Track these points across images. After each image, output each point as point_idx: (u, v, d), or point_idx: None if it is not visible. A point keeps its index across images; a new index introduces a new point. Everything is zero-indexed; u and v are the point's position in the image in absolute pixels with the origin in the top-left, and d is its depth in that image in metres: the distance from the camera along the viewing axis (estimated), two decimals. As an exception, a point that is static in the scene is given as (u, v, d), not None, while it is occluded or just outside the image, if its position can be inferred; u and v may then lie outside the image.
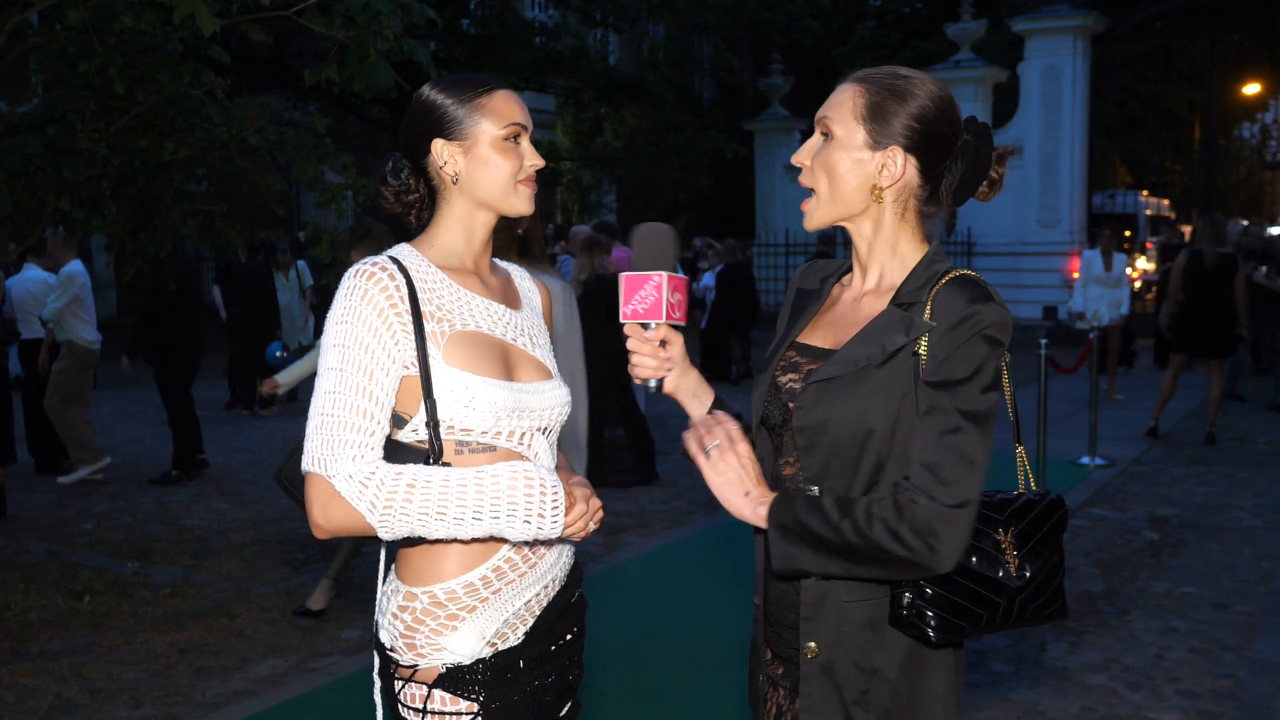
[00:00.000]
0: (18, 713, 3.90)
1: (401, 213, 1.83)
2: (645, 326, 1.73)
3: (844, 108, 1.65)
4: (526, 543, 1.73)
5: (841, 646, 1.60)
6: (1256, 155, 36.48)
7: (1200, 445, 8.60)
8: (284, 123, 5.75)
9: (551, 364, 1.86)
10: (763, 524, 1.60)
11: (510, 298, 1.87)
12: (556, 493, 1.64)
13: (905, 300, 1.60)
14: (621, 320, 1.72)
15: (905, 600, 1.55)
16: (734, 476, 1.63)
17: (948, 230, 16.76)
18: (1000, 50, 18.78)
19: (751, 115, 21.70)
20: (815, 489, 1.60)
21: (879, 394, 1.56)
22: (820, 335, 1.72)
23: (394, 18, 4.88)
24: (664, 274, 1.70)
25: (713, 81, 27.52)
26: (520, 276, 1.96)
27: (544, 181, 21.95)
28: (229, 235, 5.76)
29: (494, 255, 1.89)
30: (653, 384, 1.76)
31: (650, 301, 1.70)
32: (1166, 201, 23.30)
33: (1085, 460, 7.86)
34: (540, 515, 1.62)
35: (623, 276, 1.71)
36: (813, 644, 1.62)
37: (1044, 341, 7.02)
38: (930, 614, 1.54)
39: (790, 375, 1.70)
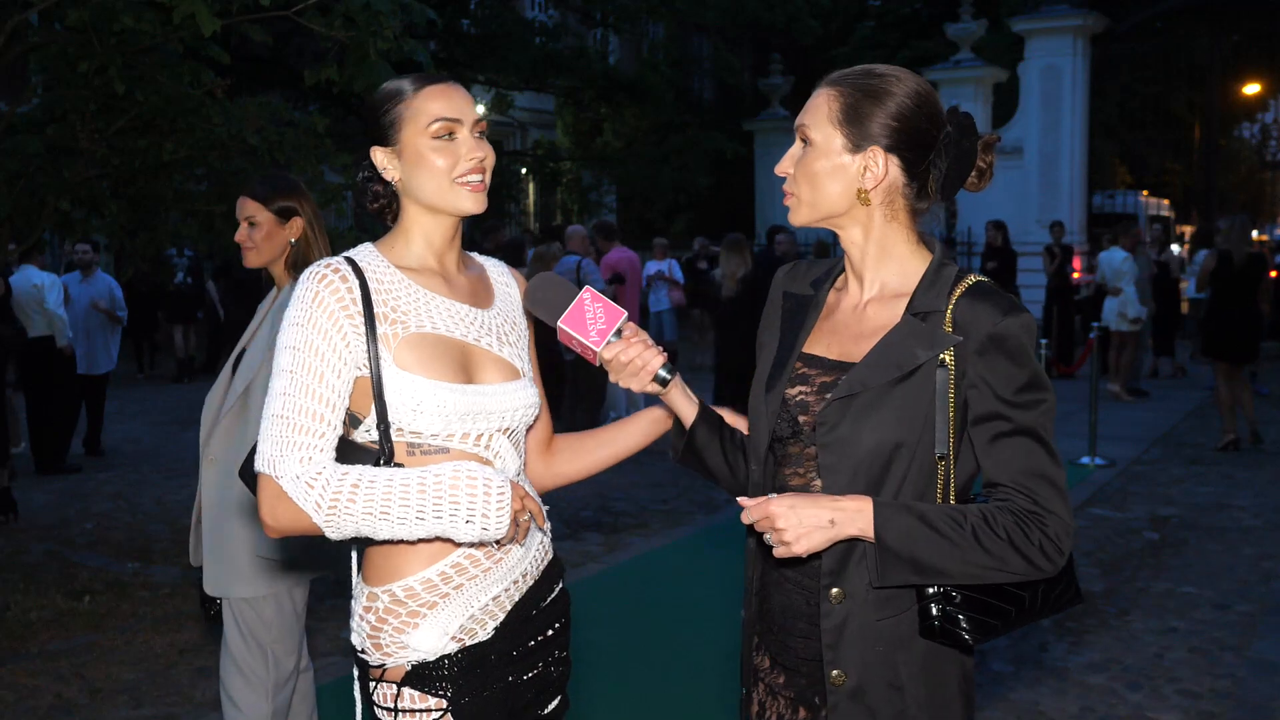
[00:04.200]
0: (18, 713, 3.89)
1: (378, 215, 1.83)
2: (619, 334, 1.70)
3: (820, 112, 1.61)
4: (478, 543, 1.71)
5: (871, 669, 1.58)
6: (1256, 155, 36.49)
7: (1200, 445, 8.59)
8: (284, 123, 5.74)
9: (521, 363, 1.82)
10: (870, 536, 1.51)
11: (479, 296, 1.83)
12: (503, 493, 1.62)
13: (921, 309, 1.58)
14: (597, 350, 1.69)
15: (935, 610, 1.54)
16: (810, 517, 1.52)
17: (948, 230, 16.74)
18: (1000, 50, 18.76)
19: (751, 115, 21.68)
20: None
21: (905, 408, 1.55)
22: (824, 345, 1.68)
23: (394, 18, 4.88)
24: (588, 289, 1.71)
25: (713, 81, 27.47)
26: (497, 272, 1.91)
27: (544, 181, 21.98)
28: (229, 235, 5.75)
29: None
30: (663, 371, 1.71)
31: (601, 313, 1.69)
32: (1166, 201, 23.28)
33: (1085, 460, 7.85)
34: (484, 515, 1.60)
35: (560, 325, 1.70)
36: (837, 672, 1.58)
37: (1044, 341, 7.03)
38: (962, 618, 1.53)
39: (800, 388, 1.67)
